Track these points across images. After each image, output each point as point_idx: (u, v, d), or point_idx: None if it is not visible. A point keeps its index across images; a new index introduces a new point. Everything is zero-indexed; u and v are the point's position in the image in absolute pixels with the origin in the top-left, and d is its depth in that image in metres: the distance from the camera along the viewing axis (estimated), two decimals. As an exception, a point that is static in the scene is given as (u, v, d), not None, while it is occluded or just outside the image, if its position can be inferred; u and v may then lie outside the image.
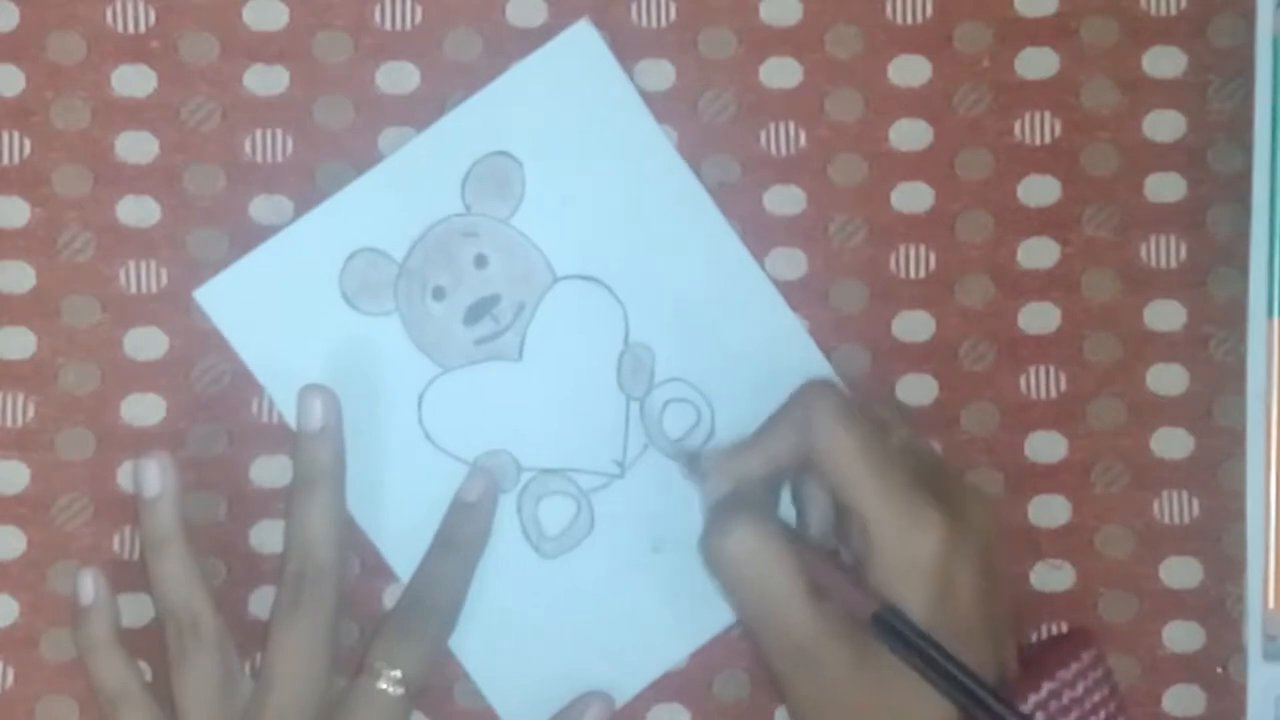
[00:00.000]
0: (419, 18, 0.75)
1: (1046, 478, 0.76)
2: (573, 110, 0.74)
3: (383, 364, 0.74)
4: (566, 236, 0.75)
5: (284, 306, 0.74)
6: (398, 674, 0.69)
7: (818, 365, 0.75)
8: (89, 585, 0.71)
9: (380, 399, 0.74)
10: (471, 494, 0.73)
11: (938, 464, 0.72)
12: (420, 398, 0.74)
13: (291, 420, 0.73)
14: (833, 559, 0.70)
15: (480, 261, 0.74)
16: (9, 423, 0.74)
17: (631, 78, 0.75)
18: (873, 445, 0.68)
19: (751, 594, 0.68)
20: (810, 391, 0.70)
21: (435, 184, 0.74)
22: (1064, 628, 0.75)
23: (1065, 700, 0.70)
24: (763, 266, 0.75)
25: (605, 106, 0.74)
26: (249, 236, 0.74)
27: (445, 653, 0.73)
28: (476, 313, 0.75)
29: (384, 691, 0.69)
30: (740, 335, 0.75)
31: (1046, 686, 0.70)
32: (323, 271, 0.74)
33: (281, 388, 0.74)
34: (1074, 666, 0.71)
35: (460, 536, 0.73)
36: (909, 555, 0.67)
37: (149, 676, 0.71)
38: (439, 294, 0.74)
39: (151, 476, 0.70)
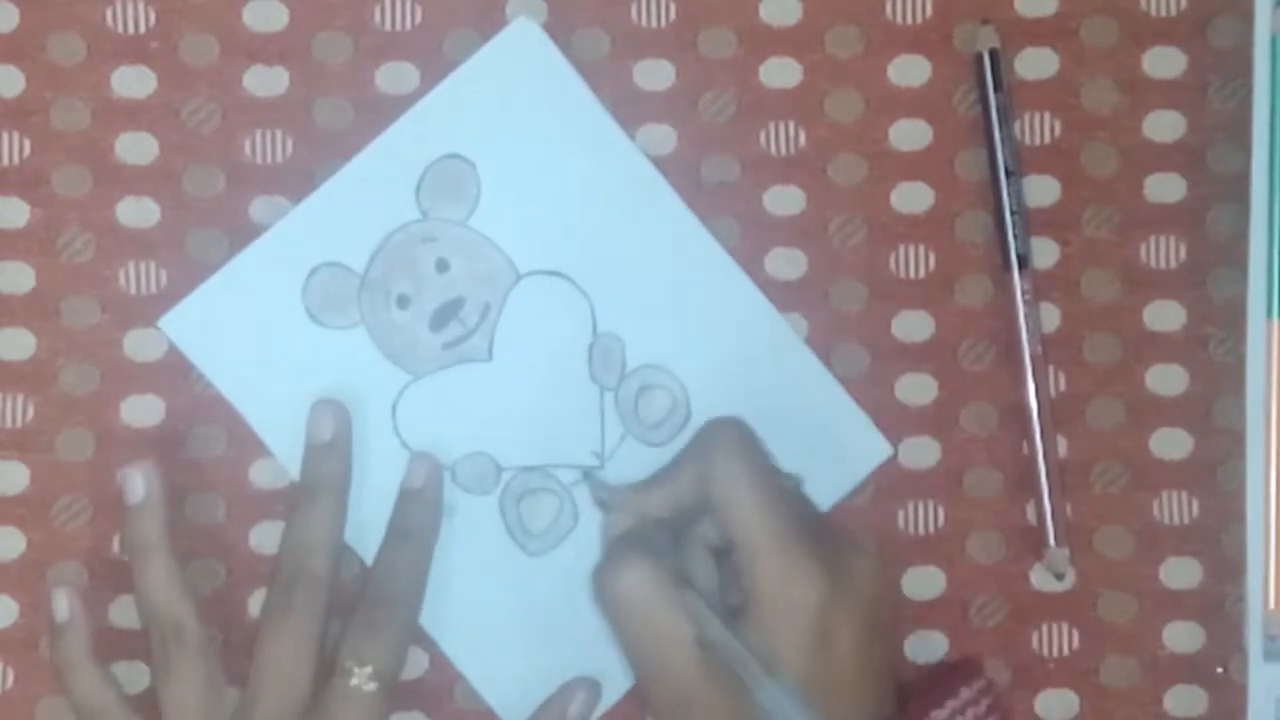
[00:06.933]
0: (419, 18, 0.75)
1: (1046, 478, 0.76)
2: (520, 106, 0.74)
3: (353, 377, 0.74)
4: (526, 233, 0.74)
5: (250, 328, 0.74)
6: (369, 669, 0.69)
7: (781, 330, 0.75)
8: (63, 604, 0.71)
9: (354, 412, 0.73)
10: (416, 480, 0.73)
11: (824, 519, 0.72)
12: (394, 407, 0.74)
13: (269, 442, 0.73)
14: (719, 615, 0.69)
15: (441, 266, 0.74)
16: (9, 423, 0.74)
17: (631, 77, 0.75)
18: (768, 480, 0.69)
19: (639, 636, 0.68)
20: (713, 426, 0.71)
21: (389, 193, 0.74)
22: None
23: None
24: (728, 249, 0.75)
25: (552, 98, 0.74)
26: (249, 237, 0.74)
27: (415, 640, 0.73)
28: (442, 317, 0.74)
29: (358, 688, 0.69)
30: (706, 314, 0.75)
31: (934, 715, 0.70)
32: (285, 290, 0.74)
33: (255, 410, 0.74)
34: (963, 694, 0.71)
35: (412, 524, 0.73)
36: (788, 604, 0.67)
37: (148, 679, 0.71)
38: (403, 302, 0.74)
39: (135, 484, 0.70)
